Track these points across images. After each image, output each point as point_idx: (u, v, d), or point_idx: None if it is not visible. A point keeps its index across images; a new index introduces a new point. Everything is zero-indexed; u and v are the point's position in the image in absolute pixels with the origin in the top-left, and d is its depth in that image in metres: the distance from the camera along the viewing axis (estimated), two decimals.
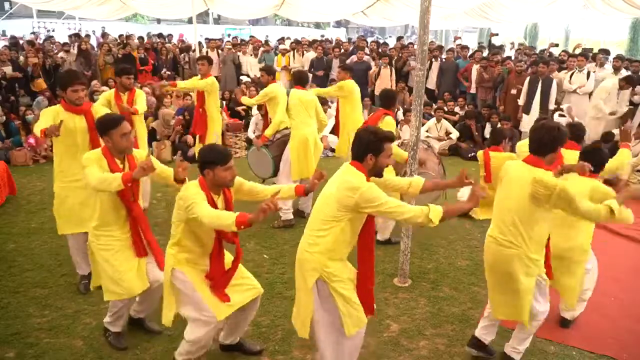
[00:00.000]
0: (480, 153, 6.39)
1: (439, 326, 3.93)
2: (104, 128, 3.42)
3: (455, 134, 9.74)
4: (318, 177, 3.41)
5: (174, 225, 3.16)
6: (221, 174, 3.04)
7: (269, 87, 6.30)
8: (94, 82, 11.38)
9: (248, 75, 13.30)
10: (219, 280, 3.20)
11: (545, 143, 3.14)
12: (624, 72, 9.44)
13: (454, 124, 10.09)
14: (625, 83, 8.69)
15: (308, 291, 2.99)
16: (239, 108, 11.18)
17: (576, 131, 4.56)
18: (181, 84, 7.07)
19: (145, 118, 9.39)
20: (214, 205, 3.04)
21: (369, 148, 2.90)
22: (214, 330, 3.19)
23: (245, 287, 3.35)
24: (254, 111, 9.68)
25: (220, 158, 3.04)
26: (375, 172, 2.99)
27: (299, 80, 6.27)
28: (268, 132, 6.00)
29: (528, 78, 9.26)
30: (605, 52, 10.53)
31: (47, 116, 4.11)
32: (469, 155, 9.28)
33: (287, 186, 3.51)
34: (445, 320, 4.09)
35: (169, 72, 13.10)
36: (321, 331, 3.04)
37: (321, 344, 3.06)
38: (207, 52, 13.33)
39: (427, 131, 9.82)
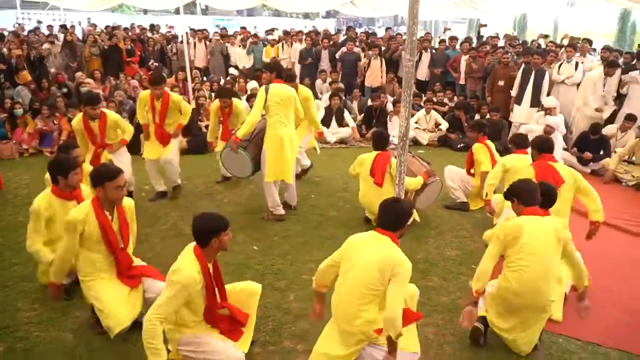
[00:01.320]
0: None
1: (428, 315, 3.97)
2: (100, 179, 3.42)
3: (444, 125, 9.77)
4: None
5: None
6: (224, 239, 3.09)
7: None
8: (79, 73, 11.26)
9: (237, 67, 13.22)
10: (229, 322, 3.25)
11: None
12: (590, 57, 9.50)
13: (443, 115, 10.12)
14: (610, 68, 8.73)
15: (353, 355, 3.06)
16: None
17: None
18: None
19: (133, 112, 9.35)
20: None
21: (406, 219, 3.20)
22: None
23: (247, 298, 3.43)
24: (244, 103, 9.63)
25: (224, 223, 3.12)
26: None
27: (278, 72, 5.70)
28: (241, 132, 5.47)
29: (521, 68, 9.28)
30: (588, 42, 10.50)
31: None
32: (458, 146, 9.33)
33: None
34: (434, 309, 4.12)
35: (156, 64, 12.99)
36: None
37: None
38: (194, 44, 13.23)
39: (416, 122, 9.84)
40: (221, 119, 6.71)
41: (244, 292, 3.43)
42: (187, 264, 2.98)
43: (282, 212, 5.86)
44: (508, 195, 3.74)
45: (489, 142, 6.23)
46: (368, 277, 2.96)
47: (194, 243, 3.08)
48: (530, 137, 8.29)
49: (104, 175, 3.41)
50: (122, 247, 3.58)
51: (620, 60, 10.08)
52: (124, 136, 5.84)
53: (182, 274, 2.93)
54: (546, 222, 3.49)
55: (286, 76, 6.18)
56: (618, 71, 8.92)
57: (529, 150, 5.13)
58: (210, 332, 3.17)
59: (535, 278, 3.39)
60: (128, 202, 3.67)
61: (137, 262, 3.79)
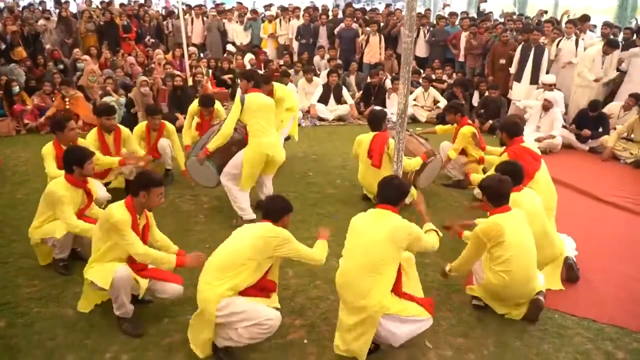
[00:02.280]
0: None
1: (425, 292, 3.98)
2: (148, 184, 3.45)
3: (442, 102, 9.70)
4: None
5: (242, 267, 3.14)
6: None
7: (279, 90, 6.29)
8: (76, 50, 11.16)
9: (234, 44, 13.10)
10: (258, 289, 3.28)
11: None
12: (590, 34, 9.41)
13: (441, 92, 10.06)
14: (609, 47, 8.67)
15: (372, 327, 3.16)
16: (225, 77, 11.05)
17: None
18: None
19: (129, 89, 9.29)
20: None
21: (405, 195, 3.37)
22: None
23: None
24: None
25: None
26: None
27: (255, 81, 5.25)
28: (212, 145, 5.05)
29: (521, 45, 9.21)
30: (586, 18, 10.25)
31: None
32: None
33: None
34: (431, 285, 4.16)
35: (152, 40, 12.86)
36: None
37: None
38: (191, 20, 13.08)
39: (414, 100, 9.79)
40: (199, 123, 6.54)
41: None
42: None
43: (253, 216, 5.16)
44: (481, 189, 3.93)
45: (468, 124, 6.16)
46: (382, 251, 3.12)
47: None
48: (529, 113, 8.26)
49: (152, 182, 3.47)
50: None
51: (620, 37, 9.99)
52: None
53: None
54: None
55: (263, 79, 6.07)
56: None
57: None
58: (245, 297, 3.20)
59: (524, 267, 3.60)
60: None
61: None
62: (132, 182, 3.57)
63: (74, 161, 4.08)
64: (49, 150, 4.84)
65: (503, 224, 3.57)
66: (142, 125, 6.17)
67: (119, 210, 3.40)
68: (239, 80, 5.21)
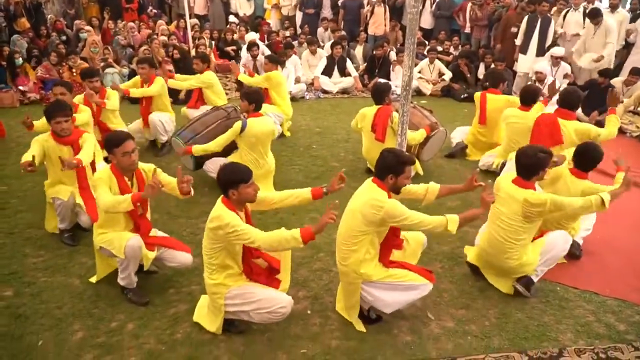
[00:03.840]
0: (477, 94, 6.33)
1: (429, 264, 4.02)
2: (108, 146, 3.42)
3: (448, 75, 9.61)
4: (340, 178, 3.45)
5: (211, 253, 3.09)
6: (245, 190, 3.04)
7: (272, 73, 6.63)
8: (79, 21, 11.05)
9: (237, 15, 12.94)
10: (266, 275, 3.28)
11: (531, 170, 3.55)
12: (620, 10, 9.22)
13: (447, 64, 9.94)
14: (591, 18, 8.46)
15: (356, 292, 3.27)
16: (229, 48, 10.95)
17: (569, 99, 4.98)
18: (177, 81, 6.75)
19: (132, 58, 9.23)
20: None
21: (391, 170, 3.13)
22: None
23: None
24: (244, 52, 9.49)
25: (243, 176, 3.03)
26: (395, 190, 3.22)
27: (257, 104, 5.01)
28: (198, 149, 4.90)
29: (527, 17, 9.03)
30: None
31: (36, 146, 4.07)
32: (462, 97, 9.21)
33: (301, 191, 3.43)
34: (434, 258, 4.19)
35: (155, 11, 12.72)
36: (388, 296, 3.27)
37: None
38: None
39: (419, 72, 9.69)
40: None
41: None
42: (226, 215, 2.97)
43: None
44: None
45: (491, 95, 6.18)
46: (352, 221, 3.16)
47: (222, 196, 3.09)
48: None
49: (112, 142, 3.41)
50: (141, 214, 3.58)
51: (627, 6, 9.79)
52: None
53: (225, 217, 2.96)
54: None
55: (269, 59, 6.66)
56: (624, 19, 8.68)
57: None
58: (254, 284, 3.21)
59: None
60: (148, 167, 3.66)
61: (159, 233, 3.81)
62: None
63: (47, 117, 4.12)
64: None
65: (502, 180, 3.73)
66: (137, 78, 6.34)
67: (100, 170, 3.53)
68: (241, 99, 5.04)
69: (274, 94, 6.74)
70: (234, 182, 3.02)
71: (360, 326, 3.36)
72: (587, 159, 4.00)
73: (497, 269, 3.78)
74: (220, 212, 2.97)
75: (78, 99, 5.36)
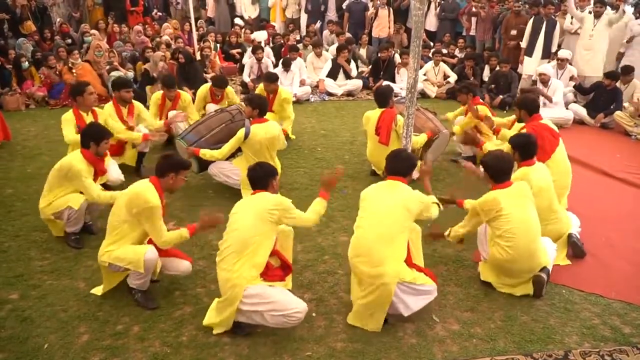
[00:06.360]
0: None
1: (433, 266, 4.00)
2: (177, 167, 3.52)
3: (453, 77, 9.58)
4: (340, 172, 3.74)
5: (259, 241, 3.15)
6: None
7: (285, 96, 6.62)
8: (84, 25, 11.10)
9: (242, 17, 12.97)
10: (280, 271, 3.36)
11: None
12: (627, 9, 9.17)
13: (452, 67, 9.92)
14: (596, 8, 8.44)
15: (389, 296, 3.25)
16: (234, 51, 10.98)
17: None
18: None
19: (136, 62, 9.26)
20: None
21: (410, 169, 3.49)
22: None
23: (283, 240, 3.56)
24: (249, 55, 9.50)
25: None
26: None
27: (261, 110, 4.97)
28: (204, 153, 4.94)
29: (532, 19, 9.00)
30: None
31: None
32: None
33: (314, 203, 3.59)
34: (439, 260, 4.18)
35: (160, 13, 12.77)
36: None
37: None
38: None
39: (424, 75, 9.67)
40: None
41: (280, 235, 3.47)
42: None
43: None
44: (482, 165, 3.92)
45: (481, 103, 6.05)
46: (396, 219, 3.28)
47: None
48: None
49: (182, 165, 3.54)
50: None
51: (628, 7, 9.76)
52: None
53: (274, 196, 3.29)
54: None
55: (267, 77, 6.46)
56: (627, 18, 8.64)
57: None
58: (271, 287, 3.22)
59: (527, 241, 3.60)
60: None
61: None
62: (161, 163, 3.50)
63: (92, 137, 4.15)
64: (69, 117, 4.98)
65: (500, 198, 3.60)
66: (158, 94, 6.26)
67: (153, 195, 3.37)
68: (244, 105, 5.02)
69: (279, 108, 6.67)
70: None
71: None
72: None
73: (524, 271, 3.68)
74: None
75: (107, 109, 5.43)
